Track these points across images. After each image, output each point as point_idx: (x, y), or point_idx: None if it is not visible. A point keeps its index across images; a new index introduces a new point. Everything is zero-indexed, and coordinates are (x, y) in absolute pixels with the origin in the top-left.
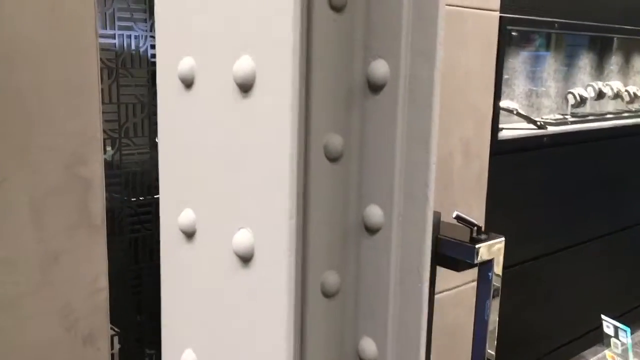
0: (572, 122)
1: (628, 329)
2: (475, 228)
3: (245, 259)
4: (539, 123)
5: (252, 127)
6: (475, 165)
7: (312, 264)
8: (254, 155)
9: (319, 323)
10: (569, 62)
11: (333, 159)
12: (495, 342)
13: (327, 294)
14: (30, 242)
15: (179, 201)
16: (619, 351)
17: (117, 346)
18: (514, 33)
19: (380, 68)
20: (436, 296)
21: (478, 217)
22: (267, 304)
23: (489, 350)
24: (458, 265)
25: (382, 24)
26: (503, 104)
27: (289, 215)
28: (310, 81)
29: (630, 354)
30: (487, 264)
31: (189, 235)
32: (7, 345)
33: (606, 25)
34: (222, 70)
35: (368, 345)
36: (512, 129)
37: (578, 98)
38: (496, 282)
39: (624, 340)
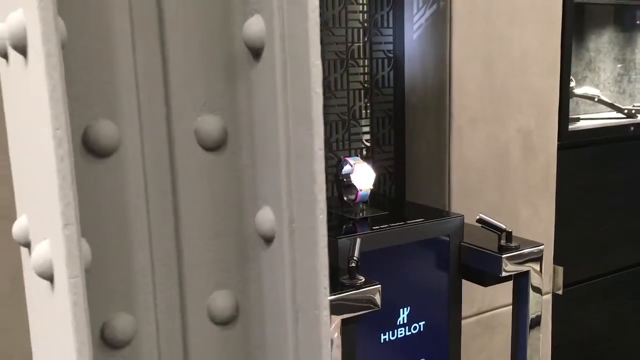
0: None
1: None
2: (504, 234)
3: (45, 277)
4: (626, 110)
5: (28, 103)
6: (539, 160)
7: (192, 282)
8: (31, 142)
9: (209, 357)
10: None
11: (210, 147)
12: None
13: (218, 321)
14: None
15: (19, 207)
16: None
17: None
18: (589, 9)
19: (256, 25)
20: (494, 312)
21: (547, 221)
22: (65, 335)
23: None
24: (484, 278)
25: None
26: (582, 90)
27: (62, 222)
28: (165, 45)
29: None
30: (522, 278)
31: (24, 245)
32: None
33: None
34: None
35: None
36: (593, 119)
37: None
38: (535, 300)
39: None
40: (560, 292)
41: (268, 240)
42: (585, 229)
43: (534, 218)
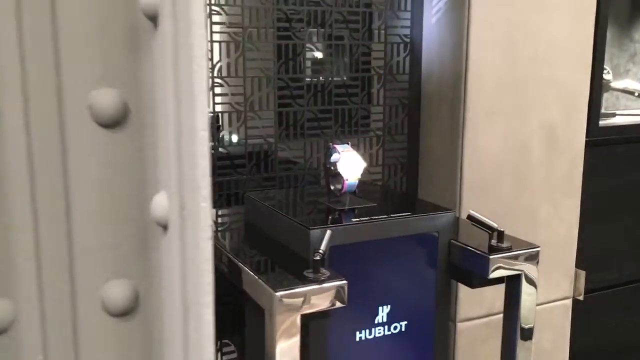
0: None
1: None
2: (495, 233)
3: None
4: None
5: None
6: (564, 157)
7: (84, 269)
8: None
9: (102, 352)
10: None
11: (106, 124)
12: None
13: (114, 312)
14: None
15: None
16: None
17: None
18: None
19: None
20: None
21: (570, 222)
22: None
23: None
24: (472, 279)
25: None
26: (623, 83)
27: None
28: (56, 10)
29: None
30: (514, 282)
31: None
32: None
33: None
34: None
35: None
36: (631, 115)
37: None
38: (528, 306)
39: None
40: (581, 297)
41: (165, 227)
42: (612, 232)
43: (554, 218)
